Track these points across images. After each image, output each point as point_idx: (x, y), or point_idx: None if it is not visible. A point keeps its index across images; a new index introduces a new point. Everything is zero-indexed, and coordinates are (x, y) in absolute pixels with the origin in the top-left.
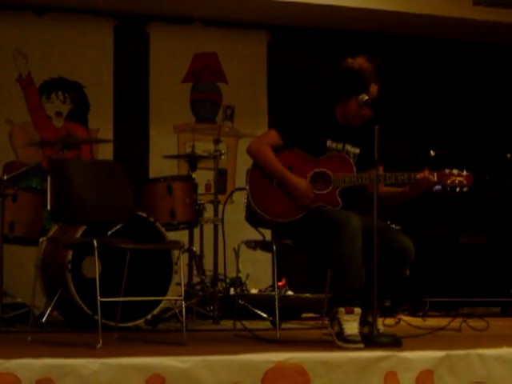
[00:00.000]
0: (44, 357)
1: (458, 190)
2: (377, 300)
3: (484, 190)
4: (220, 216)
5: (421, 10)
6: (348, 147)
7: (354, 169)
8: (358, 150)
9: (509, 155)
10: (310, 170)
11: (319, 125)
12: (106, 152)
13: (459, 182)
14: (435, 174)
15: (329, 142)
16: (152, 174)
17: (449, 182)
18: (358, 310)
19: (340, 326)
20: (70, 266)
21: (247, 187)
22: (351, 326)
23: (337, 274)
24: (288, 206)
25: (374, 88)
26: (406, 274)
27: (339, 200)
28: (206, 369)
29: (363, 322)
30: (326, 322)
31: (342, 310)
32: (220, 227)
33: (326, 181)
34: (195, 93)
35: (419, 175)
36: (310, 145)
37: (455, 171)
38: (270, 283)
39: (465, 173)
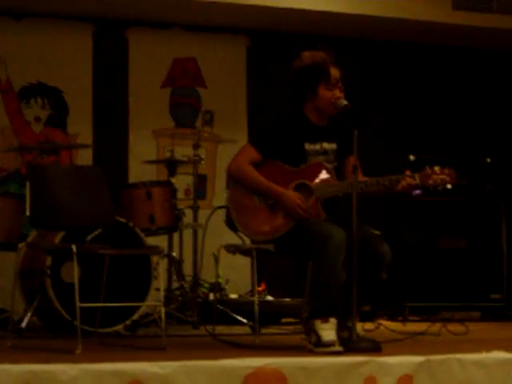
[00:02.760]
0: (23, 362)
1: (440, 188)
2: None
3: (464, 195)
4: (199, 221)
5: (400, 14)
6: (325, 145)
7: (335, 177)
8: (334, 145)
9: (488, 159)
10: (292, 182)
11: (293, 130)
12: (85, 157)
13: (442, 179)
14: (417, 176)
15: (306, 145)
16: (131, 178)
17: (431, 182)
18: (333, 319)
19: (317, 334)
20: (49, 271)
21: (230, 209)
22: (328, 333)
23: (316, 288)
24: (273, 223)
25: (334, 71)
26: (383, 277)
27: (323, 211)
28: (186, 374)
29: (343, 327)
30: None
31: (318, 321)
32: (199, 232)
33: (308, 192)
34: (174, 97)
35: (400, 185)
36: (288, 152)
37: (437, 169)
38: (250, 288)
39: (447, 170)
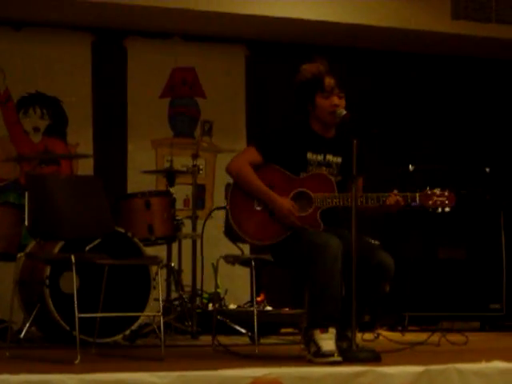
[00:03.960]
0: (22, 372)
1: (439, 210)
2: (356, 315)
3: (463, 205)
4: (198, 232)
5: (399, 24)
6: (329, 157)
7: (336, 189)
8: (340, 159)
9: (487, 169)
10: (292, 190)
11: (298, 138)
12: (86, 167)
13: (441, 202)
14: (417, 196)
15: (309, 155)
16: (130, 189)
17: (430, 203)
18: (332, 329)
19: (316, 344)
20: (47, 281)
21: (228, 207)
22: (327, 343)
23: (313, 298)
24: (270, 229)
25: (328, 80)
26: (385, 289)
27: (320, 222)
28: None
29: (342, 338)
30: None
31: (317, 331)
32: (198, 242)
33: (308, 202)
34: (173, 108)
35: (388, 200)
36: (290, 159)
37: (437, 191)
38: (249, 298)
39: (447, 193)
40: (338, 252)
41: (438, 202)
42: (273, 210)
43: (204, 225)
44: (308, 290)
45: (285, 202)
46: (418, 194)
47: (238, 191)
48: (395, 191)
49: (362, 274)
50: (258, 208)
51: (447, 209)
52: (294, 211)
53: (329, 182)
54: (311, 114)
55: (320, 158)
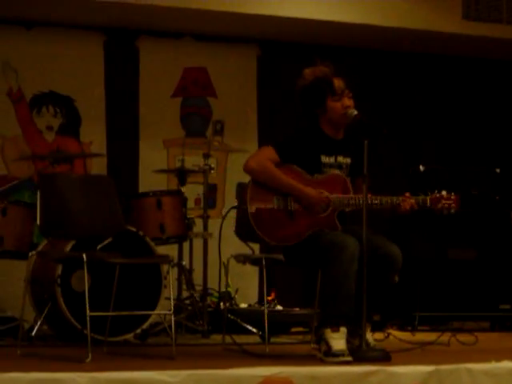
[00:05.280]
0: (33, 371)
1: (445, 212)
2: (366, 309)
3: (473, 205)
4: (209, 231)
5: (410, 24)
6: (340, 159)
7: (351, 190)
8: (349, 160)
9: (498, 170)
10: None
11: (311, 141)
12: (99, 166)
13: (448, 205)
14: (428, 199)
15: (323, 158)
16: (142, 188)
17: (439, 206)
18: (343, 329)
19: (327, 343)
20: (59, 280)
21: (247, 210)
22: (338, 342)
23: (328, 297)
24: (289, 230)
25: (337, 82)
26: (394, 280)
27: (338, 224)
28: (195, 383)
29: (354, 334)
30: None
31: (328, 330)
32: (210, 241)
33: (325, 203)
34: (185, 107)
35: (403, 205)
36: (305, 161)
37: (444, 193)
38: (259, 297)
39: (453, 196)
40: (355, 252)
41: (446, 205)
42: (301, 200)
43: (222, 224)
44: (322, 289)
45: (312, 190)
46: (428, 198)
47: (256, 190)
48: (407, 194)
49: (370, 265)
50: (277, 208)
51: (452, 211)
52: (323, 199)
53: (345, 183)
54: (321, 117)
55: (332, 160)
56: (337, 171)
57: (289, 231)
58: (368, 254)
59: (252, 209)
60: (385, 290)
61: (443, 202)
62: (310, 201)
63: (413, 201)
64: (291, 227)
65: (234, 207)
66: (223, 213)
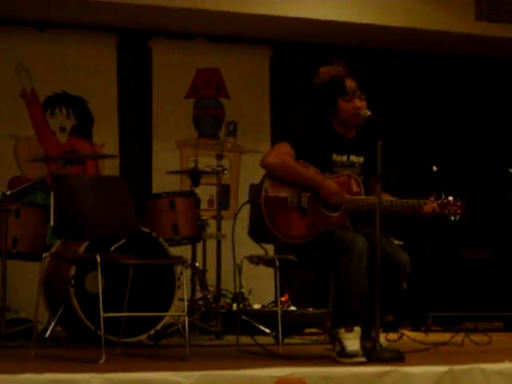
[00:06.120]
0: (47, 372)
1: (451, 218)
2: (375, 313)
3: (486, 205)
4: (223, 231)
5: (423, 25)
6: (352, 157)
7: (363, 190)
8: (362, 159)
9: (511, 170)
10: None
11: (322, 139)
12: (112, 167)
13: (454, 211)
14: (436, 204)
15: (334, 156)
16: (155, 189)
17: (446, 211)
18: (357, 328)
19: (341, 344)
20: (73, 281)
21: (261, 206)
22: (352, 343)
23: (339, 296)
24: (302, 228)
25: (350, 83)
26: (402, 287)
27: (349, 224)
28: None
29: (366, 337)
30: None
31: (342, 329)
32: (223, 242)
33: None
34: (198, 108)
35: (425, 208)
36: (317, 159)
37: (451, 199)
38: (273, 298)
39: (459, 202)
40: (363, 250)
41: (452, 211)
42: (320, 192)
43: (235, 220)
44: (333, 288)
45: (332, 182)
46: (436, 202)
47: (271, 188)
48: (432, 198)
49: (380, 273)
50: (290, 205)
51: (457, 217)
52: (342, 192)
53: (357, 183)
54: (333, 116)
55: (344, 158)
56: (349, 170)
57: (300, 228)
58: (380, 259)
59: (265, 204)
60: (393, 296)
61: (449, 207)
62: (329, 190)
63: (435, 204)
64: (302, 225)
65: (247, 202)
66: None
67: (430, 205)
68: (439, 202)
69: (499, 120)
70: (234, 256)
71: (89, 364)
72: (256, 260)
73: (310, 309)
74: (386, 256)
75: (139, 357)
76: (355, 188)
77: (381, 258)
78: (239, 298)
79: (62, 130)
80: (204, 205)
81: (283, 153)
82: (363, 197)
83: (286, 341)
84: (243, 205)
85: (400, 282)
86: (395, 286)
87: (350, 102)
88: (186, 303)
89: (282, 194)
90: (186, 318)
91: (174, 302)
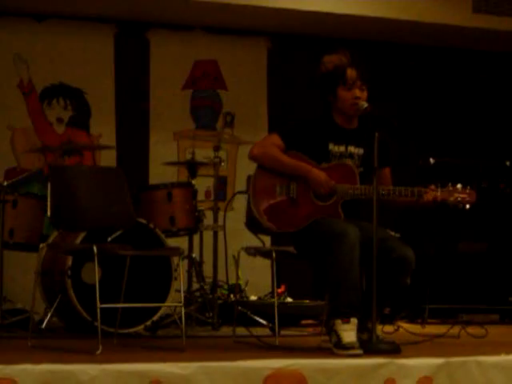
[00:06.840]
0: (44, 362)
1: (460, 206)
2: (376, 308)
3: (484, 198)
4: (220, 223)
5: (421, 18)
6: (351, 149)
7: (358, 180)
8: (362, 151)
9: (508, 163)
10: None
11: (320, 129)
12: (109, 158)
13: (462, 198)
14: (439, 191)
15: (331, 146)
16: (152, 180)
17: (452, 199)
18: (354, 320)
19: (337, 335)
20: (69, 272)
21: (250, 196)
22: (349, 334)
23: (333, 287)
24: (291, 216)
25: (350, 72)
26: (406, 282)
27: (341, 212)
28: (206, 375)
29: (363, 329)
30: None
31: (339, 321)
32: (220, 234)
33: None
34: (195, 100)
35: (426, 196)
36: (311, 148)
37: (459, 187)
38: (270, 290)
39: (468, 190)
40: (355, 240)
41: (460, 199)
42: (307, 179)
43: (225, 212)
44: (327, 280)
45: (320, 171)
46: (439, 189)
47: (260, 178)
48: (432, 186)
49: (383, 267)
50: (279, 194)
51: (467, 206)
52: (329, 181)
53: (352, 173)
54: (333, 105)
55: (342, 149)
56: (348, 161)
57: (290, 218)
58: (381, 256)
59: (254, 195)
60: (396, 292)
61: (456, 195)
62: (316, 180)
63: (437, 193)
64: (293, 214)
65: (237, 193)
66: (232, 204)
67: (431, 193)
68: (444, 189)
69: (496, 113)
70: (225, 246)
71: (85, 355)
72: (253, 251)
73: (307, 300)
74: (392, 252)
75: (136, 348)
76: (349, 178)
77: (386, 253)
78: (236, 289)
79: (60, 120)
80: (201, 196)
81: (269, 144)
82: (357, 186)
83: (283, 332)
84: (234, 195)
85: (404, 278)
86: (400, 282)
87: (349, 91)
88: (182, 294)
89: (271, 184)
90: (183, 309)
91: (170, 293)
